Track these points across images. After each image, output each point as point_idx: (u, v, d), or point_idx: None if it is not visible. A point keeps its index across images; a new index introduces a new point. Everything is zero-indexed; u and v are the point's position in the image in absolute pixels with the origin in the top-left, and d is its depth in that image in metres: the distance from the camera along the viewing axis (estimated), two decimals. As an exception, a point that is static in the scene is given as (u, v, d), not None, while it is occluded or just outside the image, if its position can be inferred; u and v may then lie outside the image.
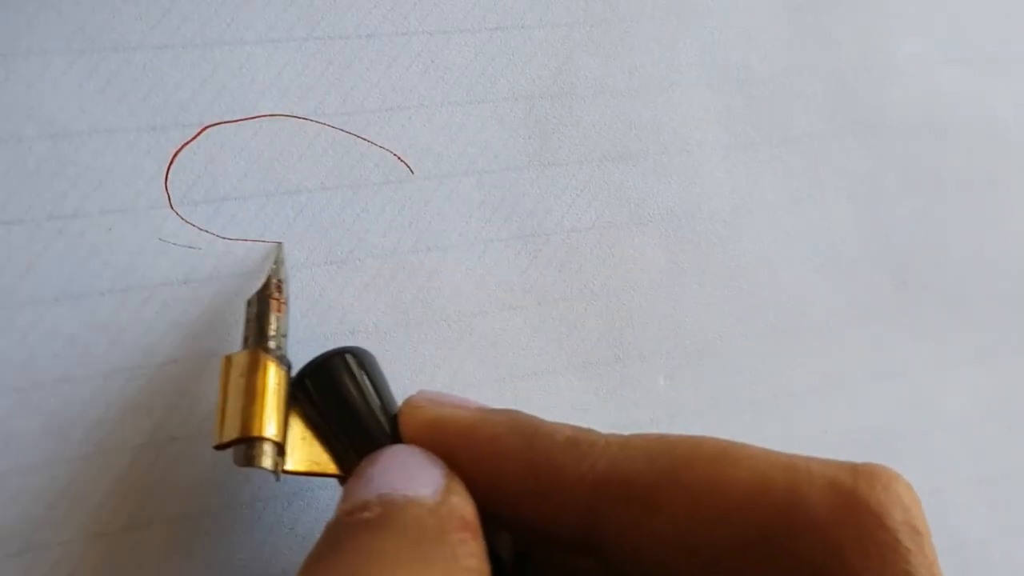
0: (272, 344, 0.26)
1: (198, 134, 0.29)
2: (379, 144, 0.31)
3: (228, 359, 0.26)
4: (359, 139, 0.31)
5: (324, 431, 0.26)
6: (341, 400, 0.26)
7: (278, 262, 0.29)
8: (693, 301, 0.34)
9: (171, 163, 0.29)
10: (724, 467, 0.23)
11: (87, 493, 0.27)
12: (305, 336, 0.30)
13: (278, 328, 0.27)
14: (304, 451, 0.26)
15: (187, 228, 0.29)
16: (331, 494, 0.29)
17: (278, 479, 0.25)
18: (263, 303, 0.27)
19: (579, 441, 0.24)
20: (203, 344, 0.29)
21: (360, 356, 0.27)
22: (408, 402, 0.26)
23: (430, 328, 0.31)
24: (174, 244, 0.29)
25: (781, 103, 0.36)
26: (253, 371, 0.25)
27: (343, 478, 0.26)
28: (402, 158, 0.31)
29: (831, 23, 0.38)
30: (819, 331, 0.35)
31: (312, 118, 0.31)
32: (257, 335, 0.26)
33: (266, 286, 0.28)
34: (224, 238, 0.29)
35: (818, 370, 0.35)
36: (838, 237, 0.36)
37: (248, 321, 0.27)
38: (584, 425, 0.32)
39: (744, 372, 0.34)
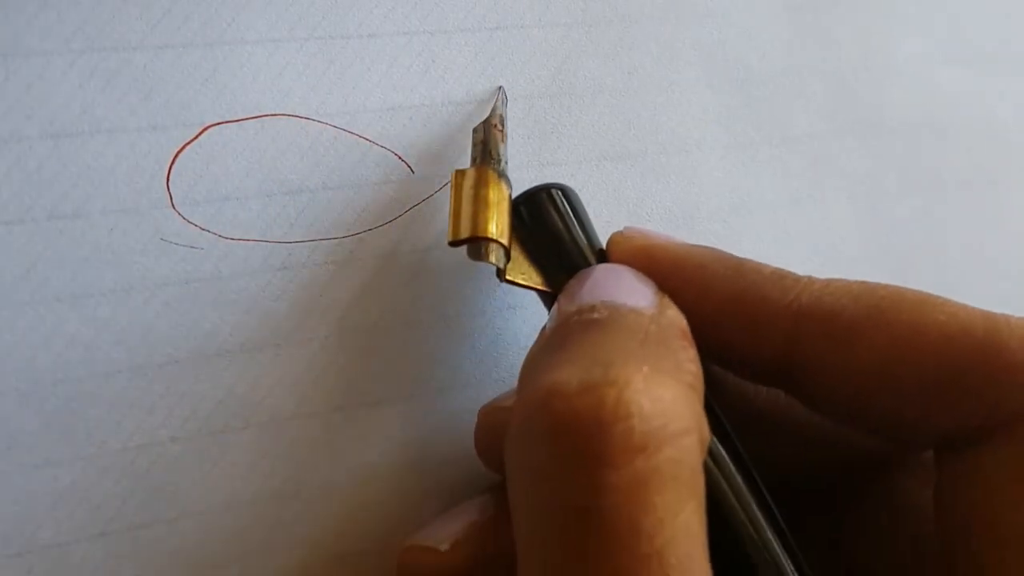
0: (499, 166, 0.28)
1: (199, 134, 0.29)
2: (380, 144, 0.31)
3: (460, 173, 0.28)
4: (360, 139, 0.31)
5: (536, 256, 0.28)
6: (553, 227, 0.28)
7: (500, 101, 0.31)
8: (693, 301, 0.34)
9: (172, 163, 0.29)
10: (927, 310, 0.24)
11: (87, 493, 0.27)
12: (305, 336, 0.30)
13: (499, 154, 0.29)
14: (518, 267, 0.28)
15: (188, 228, 0.29)
16: (330, 494, 0.29)
17: (501, 280, 0.28)
18: (488, 131, 0.29)
19: (784, 275, 0.26)
20: (204, 344, 0.29)
21: (568, 193, 0.29)
22: (618, 232, 0.28)
23: (430, 328, 0.31)
24: (175, 244, 0.29)
25: (781, 103, 0.36)
26: (483, 184, 0.28)
27: (553, 296, 0.27)
28: (403, 158, 0.31)
29: (831, 23, 0.38)
30: (819, 331, 0.35)
31: (314, 118, 0.31)
32: (484, 155, 0.29)
33: (491, 117, 0.30)
34: (226, 238, 0.29)
35: (818, 370, 0.35)
36: (838, 237, 0.36)
37: (475, 144, 0.30)
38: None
39: (744, 372, 0.34)
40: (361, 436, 0.30)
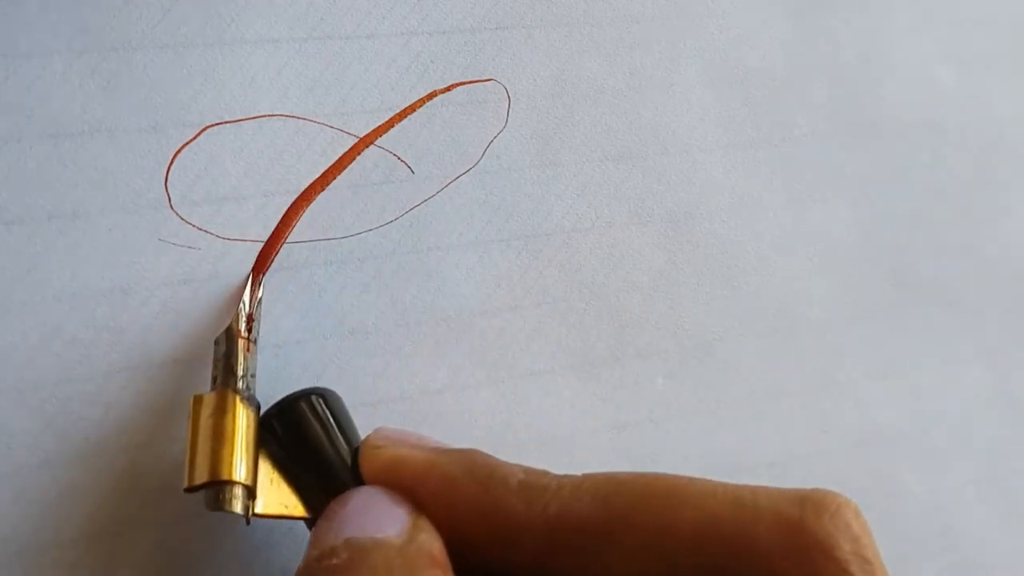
0: (241, 384, 0.26)
1: (198, 134, 0.30)
2: (379, 144, 0.31)
3: (198, 399, 0.25)
4: (358, 139, 0.31)
5: (292, 472, 0.26)
6: (307, 442, 0.26)
7: (251, 296, 0.29)
8: (692, 301, 0.34)
9: (171, 163, 0.29)
10: (673, 506, 0.23)
11: (87, 493, 0.27)
12: (305, 336, 0.30)
13: (247, 368, 0.27)
14: (273, 493, 0.26)
15: (187, 228, 0.29)
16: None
17: (248, 523, 0.25)
18: (231, 342, 0.27)
19: (531, 485, 0.24)
20: (203, 344, 0.29)
21: (327, 397, 0.27)
22: (366, 442, 0.26)
23: (430, 328, 0.31)
24: (174, 244, 0.29)
25: (781, 103, 0.36)
26: (222, 412, 0.25)
27: (312, 520, 0.25)
28: (402, 158, 0.31)
29: (831, 23, 0.38)
30: (819, 331, 0.35)
31: (312, 118, 0.31)
32: (225, 375, 0.26)
33: (234, 323, 0.27)
34: (224, 238, 0.29)
35: (818, 370, 0.35)
36: (838, 237, 0.36)
37: (216, 360, 0.27)
38: (584, 425, 0.32)
39: (744, 372, 0.34)
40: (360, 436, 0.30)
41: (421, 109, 0.32)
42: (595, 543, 0.23)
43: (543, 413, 0.31)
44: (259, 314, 0.29)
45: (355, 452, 0.26)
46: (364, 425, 0.30)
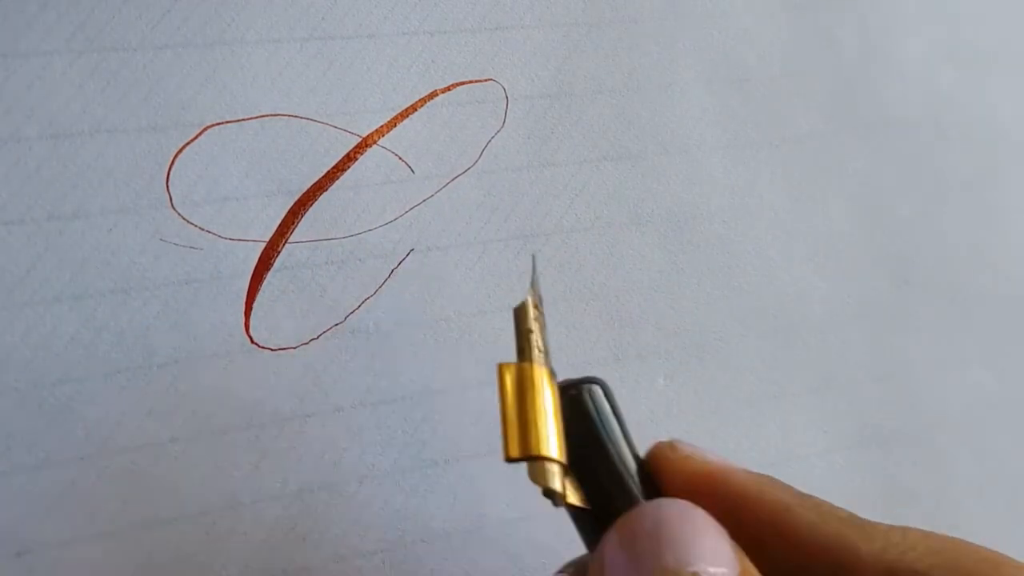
0: (547, 360, 0.24)
1: (199, 134, 0.29)
2: (380, 144, 0.31)
3: (506, 368, 0.23)
4: (360, 139, 0.31)
5: (576, 466, 0.24)
6: (595, 434, 0.24)
7: (536, 275, 0.27)
8: (692, 301, 0.34)
9: (172, 163, 0.29)
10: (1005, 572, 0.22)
11: (87, 493, 0.27)
12: (306, 336, 0.30)
13: (547, 343, 0.25)
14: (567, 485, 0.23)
15: (188, 228, 0.29)
16: (330, 494, 0.29)
17: (557, 506, 0.23)
18: (538, 316, 0.25)
19: (861, 522, 0.23)
20: (204, 344, 0.29)
21: (608, 391, 0.25)
22: (672, 446, 0.24)
23: (430, 328, 0.31)
24: (175, 244, 0.29)
25: (781, 103, 0.36)
26: (538, 387, 0.23)
27: (596, 519, 0.23)
28: (402, 158, 0.31)
29: (831, 23, 0.38)
30: (819, 331, 0.35)
31: (313, 118, 0.31)
32: (529, 348, 0.24)
33: (532, 298, 0.25)
34: (225, 238, 0.29)
35: (818, 370, 0.35)
36: (838, 237, 0.36)
37: (522, 333, 0.25)
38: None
39: (744, 372, 0.34)
40: (361, 436, 0.30)
41: (421, 109, 0.32)
42: None
43: (543, 413, 0.31)
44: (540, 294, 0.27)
45: (634, 452, 0.24)
46: (365, 427, 0.30)
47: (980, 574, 0.22)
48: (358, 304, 0.30)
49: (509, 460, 0.22)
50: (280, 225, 0.30)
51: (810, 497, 0.23)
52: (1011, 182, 0.39)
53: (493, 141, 0.33)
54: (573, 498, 0.23)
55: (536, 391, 0.23)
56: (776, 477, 0.24)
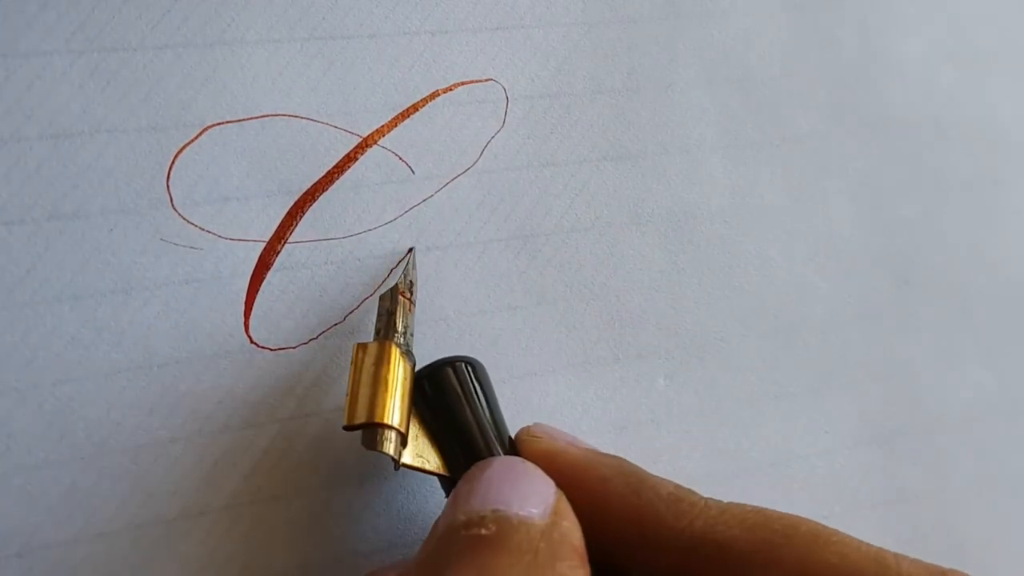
0: (401, 340, 0.27)
1: (199, 134, 0.29)
2: (380, 144, 0.31)
3: (362, 347, 0.27)
4: (360, 139, 0.31)
5: (436, 433, 0.27)
6: (456, 406, 0.27)
7: (411, 265, 0.30)
8: (693, 301, 0.34)
9: (172, 163, 0.29)
10: (817, 549, 0.24)
11: (87, 493, 0.27)
12: (306, 336, 0.30)
13: (407, 325, 0.28)
14: (415, 448, 0.27)
15: (188, 228, 0.29)
16: (330, 494, 0.29)
17: (396, 469, 0.26)
18: (395, 300, 0.28)
19: (681, 498, 0.25)
20: (204, 344, 0.29)
21: (476, 367, 0.28)
22: (526, 430, 0.28)
23: (430, 328, 0.31)
24: (175, 244, 0.29)
25: (781, 103, 0.36)
26: (384, 361, 0.26)
27: (449, 480, 0.27)
28: (403, 158, 0.31)
29: (831, 23, 0.38)
30: (819, 331, 0.35)
31: (313, 118, 0.31)
32: (388, 328, 0.28)
33: (399, 284, 0.29)
34: (226, 238, 0.29)
35: (818, 370, 0.35)
36: (838, 237, 0.36)
37: (380, 315, 0.28)
38: (584, 425, 0.32)
39: (744, 372, 0.34)
40: (361, 436, 0.30)
41: (422, 109, 0.32)
42: (738, 566, 0.24)
43: (543, 413, 0.31)
44: (416, 280, 0.30)
45: (500, 427, 0.27)
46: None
47: (778, 535, 0.24)
48: (358, 304, 0.30)
49: (347, 428, 0.26)
50: (280, 225, 0.30)
51: (647, 479, 0.26)
52: (1011, 182, 0.39)
53: (493, 141, 0.33)
54: (419, 462, 0.26)
55: (386, 366, 0.26)
56: (630, 461, 0.27)
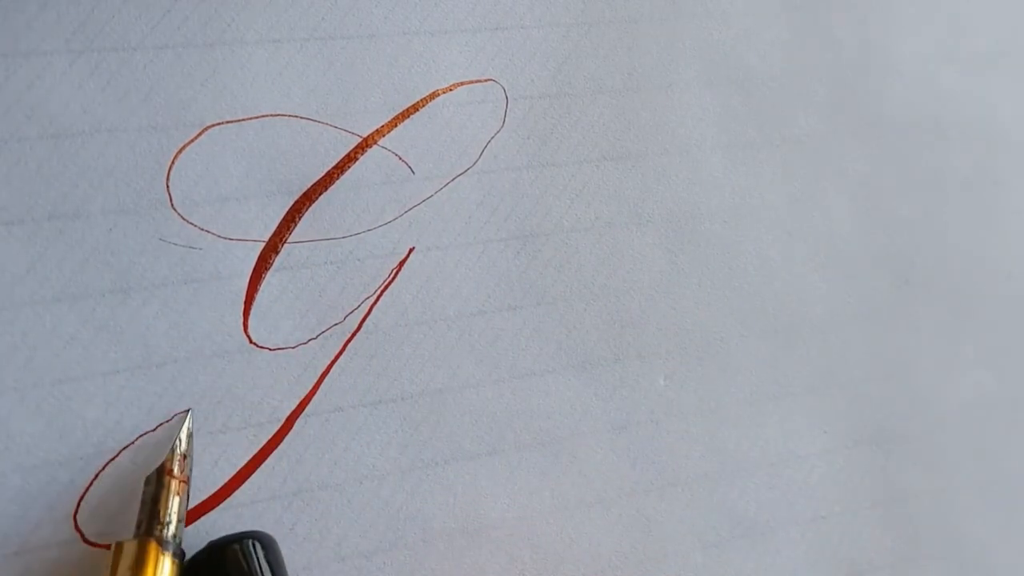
0: (167, 532, 0.25)
1: (199, 134, 0.29)
2: (380, 144, 0.31)
3: (118, 547, 0.25)
4: (360, 139, 0.31)
5: None
6: None
7: (184, 433, 0.27)
8: (693, 301, 0.34)
9: (172, 163, 0.29)
10: None
11: (87, 493, 0.27)
12: (305, 336, 0.30)
13: (177, 511, 0.25)
14: None
15: (188, 228, 0.29)
16: (330, 494, 0.29)
17: None
18: (160, 484, 0.26)
19: None
20: (203, 344, 0.29)
21: (263, 542, 0.26)
22: None
23: (430, 328, 0.31)
24: (175, 244, 0.29)
25: (781, 103, 0.36)
26: (143, 563, 0.24)
27: None
28: (403, 158, 0.31)
29: (831, 23, 0.38)
30: (819, 331, 0.35)
31: (313, 118, 0.31)
32: (151, 520, 0.25)
33: (167, 461, 0.26)
34: (225, 238, 0.29)
35: (818, 370, 0.35)
36: (838, 237, 0.36)
37: (143, 503, 0.25)
38: (584, 425, 0.32)
39: (744, 372, 0.34)
40: (362, 436, 0.30)
41: (422, 109, 0.32)
42: None
43: (543, 413, 0.31)
44: (192, 452, 0.27)
45: None
46: (365, 428, 0.30)
47: None
48: (358, 304, 0.30)
49: None
50: (280, 225, 0.30)
51: None
52: (1011, 182, 0.39)
53: (493, 141, 0.33)
54: None
55: (146, 569, 0.24)
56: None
